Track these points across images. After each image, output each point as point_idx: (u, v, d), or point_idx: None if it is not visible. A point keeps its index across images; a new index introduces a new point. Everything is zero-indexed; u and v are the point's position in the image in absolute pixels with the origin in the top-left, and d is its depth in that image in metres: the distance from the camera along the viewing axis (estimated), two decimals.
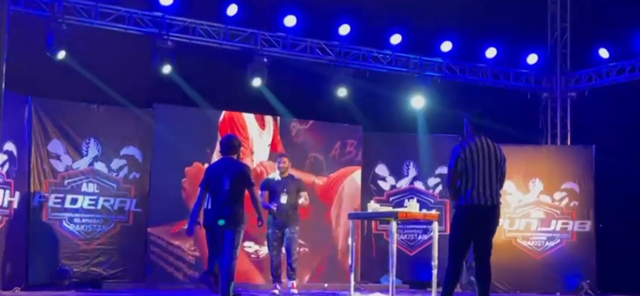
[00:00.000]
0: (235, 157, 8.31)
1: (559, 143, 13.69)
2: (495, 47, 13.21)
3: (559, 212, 12.38)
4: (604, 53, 13.02)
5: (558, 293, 11.99)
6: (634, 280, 12.07)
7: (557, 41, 13.83)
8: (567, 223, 12.34)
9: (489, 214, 6.93)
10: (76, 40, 10.91)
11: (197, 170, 11.20)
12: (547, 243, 12.37)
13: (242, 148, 9.34)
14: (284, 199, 9.86)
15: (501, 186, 7.05)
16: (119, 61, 11.18)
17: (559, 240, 12.34)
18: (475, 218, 6.90)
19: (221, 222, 7.84)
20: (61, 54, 10.78)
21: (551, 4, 13.88)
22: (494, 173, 6.92)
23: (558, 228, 12.36)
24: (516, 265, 12.10)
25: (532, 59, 13.55)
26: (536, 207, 12.42)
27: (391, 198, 12.46)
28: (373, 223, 12.35)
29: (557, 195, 12.41)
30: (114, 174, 11.05)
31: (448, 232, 9.62)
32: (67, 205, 10.75)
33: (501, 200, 7.06)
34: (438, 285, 9.15)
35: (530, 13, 13.55)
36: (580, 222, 12.32)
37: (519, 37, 13.32)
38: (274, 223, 9.86)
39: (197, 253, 11.33)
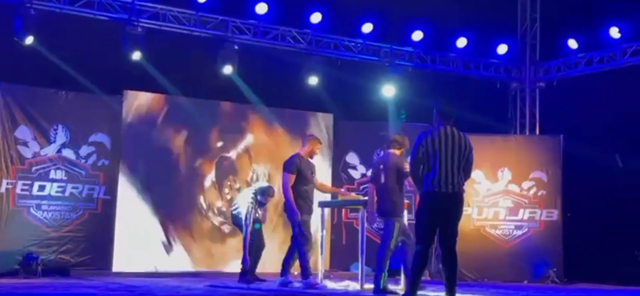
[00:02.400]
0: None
1: (527, 133, 13.82)
2: (466, 36, 13.28)
3: (526, 201, 12.51)
4: (572, 44, 13.14)
5: (525, 281, 12.11)
6: (599, 268, 12.24)
7: (526, 31, 13.93)
8: (534, 212, 12.47)
9: (451, 201, 6.97)
10: (44, 25, 10.78)
11: None
12: (514, 232, 12.49)
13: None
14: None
15: (466, 175, 7.09)
16: (88, 47, 11.08)
17: (526, 229, 12.47)
18: (436, 205, 6.94)
19: None
20: (29, 39, 10.65)
21: None
22: (456, 162, 6.94)
23: (526, 217, 12.48)
24: (484, 254, 12.21)
25: (502, 49, 13.64)
26: (504, 195, 12.53)
27: (362, 187, 12.50)
28: (343, 211, 12.38)
29: (525, 184, 12.53)
30: (83, 161, 10.97)
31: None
32: (35, 192, 10.67)
33: (465, 188, 7.09)
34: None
35: (501, 3, 13.63)
36: (547, 211, 12.45)
37: (489, 27, 13.40)
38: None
39: (165, 241, 11.31)
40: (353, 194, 10.61)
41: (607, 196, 12.74)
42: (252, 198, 10.02)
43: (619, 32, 12.42)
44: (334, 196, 10.02)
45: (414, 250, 7.12)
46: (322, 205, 9.95)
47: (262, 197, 10.15)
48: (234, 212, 10.11)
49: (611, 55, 12.72)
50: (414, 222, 9.84)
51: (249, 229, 9.83)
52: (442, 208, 6.95)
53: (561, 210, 12.44)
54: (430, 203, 6.96)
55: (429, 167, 6.93)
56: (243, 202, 10.05)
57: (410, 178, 7.65)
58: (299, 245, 9.00)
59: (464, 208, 12.26)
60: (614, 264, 12.43)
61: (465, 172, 7.04)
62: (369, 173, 12.62)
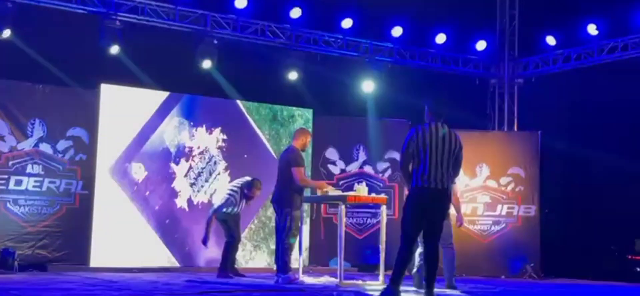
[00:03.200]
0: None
1: (505, 128, 13.89)
2: (445, 33, 13.32)
3: (504, 196, 12.57)
4: (551, 40, 13.23)
5: (503, 276, 12.19)
6: (576, 264, 12.36)
7: (505, 28, 14.00)
8: (512, 208, 12.54)
9: (439, 197, 7.02)
10: (21, 18, 10.71)
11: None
12: (492, 227, 12.56)
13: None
14: None
15: (456, 173, 7.17)
16: (65, 41, 11.01)
17: (504, 224, 12.54)
18: (425, 201, 6.99)
19: None
20: (6, 33, 10.57)
21: None
22: (446, 159, 7.00)
23: (504, 213, 12.55)
24: (462, 249, 12.16)
25: (480, 45, 13.71)
26: (482, 191, 12.60)
27: (341, 182, 12.51)
28: (322, 206, 12.39)
29: (503, 180, 12.60)
30: (60, 155, 10.90)
31: (396, 216, 9.73)
32: (12, 186, 10.59)
33: (454, 185, 7.16)
34: (386, 269, 9.25)
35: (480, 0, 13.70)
36: (525, 207, 12.53)
37: (468, 24, 13.46)
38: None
39: (143, 236, 11.26)
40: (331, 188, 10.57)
41: (585, 192, 12.86)
42: (237, 189, 10.07)
43: (597, 29, 12.52)
44: (312, 191, 10.02)
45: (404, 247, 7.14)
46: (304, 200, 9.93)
47: (248, 190, 10.16)
48: (222, 209, 10.12)
49: (589, 52, 12.82)
50: (394, 218, 9.97)
51: (215, 215, 10.13)
52: (430, 204, 7.00)
53: (539, 206, 12.53)
54: (419, 198, 7.01)
55: (419, 162, 6.97)
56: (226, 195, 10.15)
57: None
58: (285, 239, 8.96)
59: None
60: (591, 259, 12.55)
61: (454, 169, 7.10)
62: (349, 168, 12.75)
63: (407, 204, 7.16)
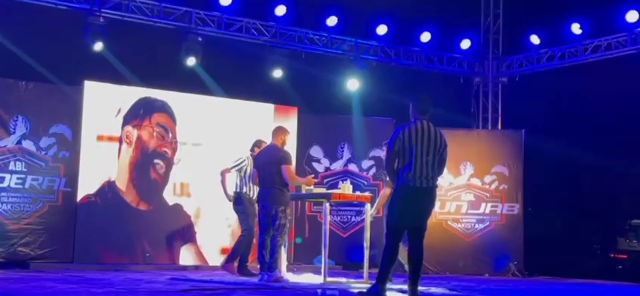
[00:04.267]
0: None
1: (490, 127, 13.94)
2: (430, 31, 13.35)
3: (488, 194, 12.61)
4: (535, 39, 13.28)
5: (486, 275, 12.22)
6: (559, 262, 12.42)
7: (489, 27, 14.05)
8: (496, 206, 12.58)
9: (425, 196, 7.03)
10: (4, 14, 10.64)
11: None
12: (476, 226, 12.60)
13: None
14: None
15: (440, 171, 7.17)
16: (48, 37, 10.96)
17: (488, 223, 12.58)
18: (410, 198, 7.00)
19: None
20: None
21: None
22: (432, 157, 7.01)
23: (487, 211, 12.59)
24: (446, 247, 12.29)
25: (465, 44, 13.74)
26: (466, 189, 12.63)
27: (325, 180, 12.50)
28: (307, 204, 12.38)
29: (487, 179, 12.63)
30: (43, 153, 10.83)
31: (380, 214, 9.73)
32: None
33: (438, 183, 7.17)
34: (370, 266, 9.27)
35: None
36: (509, 205, 12.57)
37: (453, 22, 13.50)
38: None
39: (129, 234, 11.22)
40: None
41: (568, 190, 12.93)
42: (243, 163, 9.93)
43: (580, 28, 12.59)
44: (298, 187, 10.00)
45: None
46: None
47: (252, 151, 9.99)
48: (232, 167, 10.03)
49: (572, 50, 12.88)
50: (379, 216, 9.98)
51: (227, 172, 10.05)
52: (415, 202, 7.00)
53: (522, 204, 12.57)
54: (405, 196, 7.01)
55: (405, 160, 6.97)
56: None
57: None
58: (275, 236, 8.93)
59: None
60: (574, 257, 12.62)
61: (438, 167, 7.10)
62: (334, 166, 12.75)
63: (392, 202, 7.16)
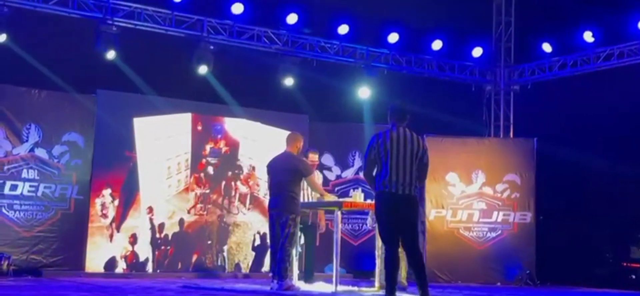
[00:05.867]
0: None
1: (501, 135, 13.90)
2: (441, 39, 13.33)
3: (500, 203, 12.57)
4: (547, 47, 13.25)
5: (498, 283, 12.18)
6: (572, 270, 12.36)
7: (501, 35, 14.03)
8: (508, 215, 12.54)
9: (403, 203, 7.02)
10: (18, 23, 10.69)
11: None
12: (488, 234, 12.55)
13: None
14: None
15: (421, 177, 7.15)
16: (61, 45, 11.01)
17: (500, 231, 12.54)
18: (389, 205, 7.01)
19: None
20: (2, 37, 10.57)
21: None
22: (409, 163, 7.00)
23: (499, 219, 12.55)
24: (458, 255, 12.25)
25: (477, 52, 13.72)
26: (478, 198, 12.59)
27: (336, 188, 12.51)
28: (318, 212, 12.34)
29: (499, 187, 12.59)
30: (56, 161, 10.88)
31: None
32: (7, 191, 10.57)
33: (420, 190, 7.24)
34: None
35: (476, 6, 13.70)
36: (521, 213, 12.53)
37: (464, 30, 13.47)
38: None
39: (139, 242, 11.25)
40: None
41: (580, 199, 12.86)
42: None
43: (593, 36, 12.54)
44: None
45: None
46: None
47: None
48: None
49: (585, 59, 12.84)
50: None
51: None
52: (395, 209, 7.01)
53: (534, 213, 12.52)
54: (384, 203, 7.05)
55: (381, 167, 7.01)
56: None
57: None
58: (284, 244, 8.89)
59: (438, 210, 12.44)
60: (587, 266, 12.55)
61: (419, 173, 7.09)
62: (345, 174, 12.74)
63: (376, 211, 7.23)
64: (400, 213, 7.01)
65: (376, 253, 9.28)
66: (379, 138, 7.04)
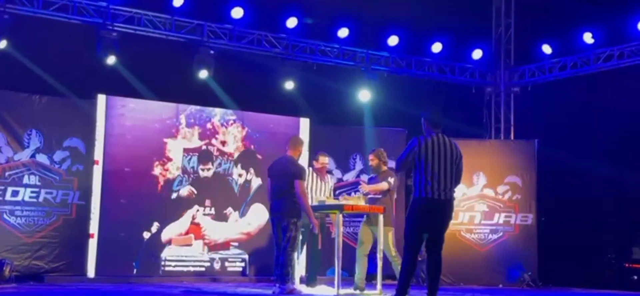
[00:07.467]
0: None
1: (502, 137, 13.90)
2: (441, 42, 13.35)
3: (501, 205, 12.57)
4: (547, 49, 13.26)
5: (500, 285, 12.18)
6: (574, 272, 12.35)
7: (501, 37, 14.03)
8: (509, 216, 12.54)
9: (443, 208, 7.11)
10: (18, 29, 10.71)
11: None
12: (490, 236, 12.55)
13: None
14: None
15: (457, 182, 7.26)
16: (62, 51, 11.02)
17: (501, 233, 12.53)
18: (428, 211, 7.08)
19: None
20: (2, 43, 10.58)
21: None
22: (449, 169, 7.10)
23: (501, 221, 12.55)
24: (460, 258, 12.23)
25: (476, 54, 13.73)
26: (480, 200, 12.59)
27: (337, 191, 12.48)
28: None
29: (500, 189, 12.60)
30: (57, 166, 10.88)
31: (371, 194, 9.67)
32: (8, 197, 10.56)
33: (455, 195, 7.23)
34: (383, 278, 9.25)
35: (475, 8, 13.72)
36: (522, 215, 12.53)
37: (464, 32, 13.48)
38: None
39: (141, 246, 11.24)
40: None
41: (582, 200, 12.86)
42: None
43: (593, 37, 12.55)
44: None
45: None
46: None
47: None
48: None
49: (585, 60, 12.84)
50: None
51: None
52: (433, 215, 7.09)
53: (536, 214, 12.53)
54: (422, 208, 7.08)
55: (422, 173, 7.05)
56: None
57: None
58: (286, 248, 8.88)
59: None
60: (589, 267, 12.55)
61: (456, 178, 7.19)
62: (346, 177, 12.73)
63: (410, 215, 7.21)
64: (438, 217, 7.13)
65: (378, 256, 9.27)
66: (421, 144, 7.10)
